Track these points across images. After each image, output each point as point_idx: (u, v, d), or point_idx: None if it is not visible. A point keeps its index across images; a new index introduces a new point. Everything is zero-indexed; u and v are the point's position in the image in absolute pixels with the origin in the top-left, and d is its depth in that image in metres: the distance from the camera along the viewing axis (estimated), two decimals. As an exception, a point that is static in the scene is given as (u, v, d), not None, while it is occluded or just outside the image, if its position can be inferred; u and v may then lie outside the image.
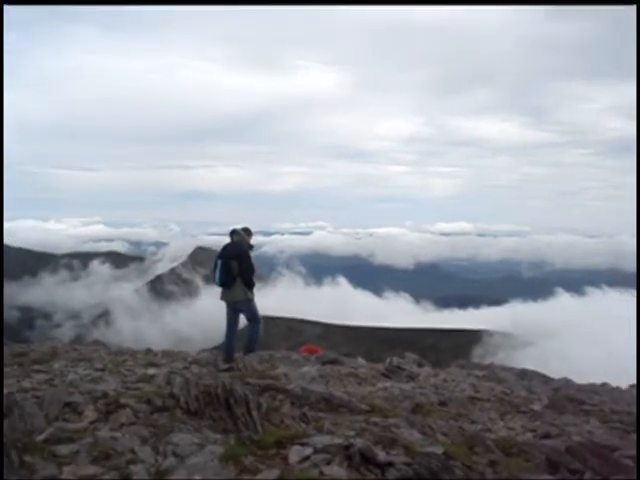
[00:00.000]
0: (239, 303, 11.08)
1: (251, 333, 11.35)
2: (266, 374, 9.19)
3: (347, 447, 4.88)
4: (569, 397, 10.68)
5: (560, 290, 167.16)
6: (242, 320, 11.40)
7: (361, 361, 13.74)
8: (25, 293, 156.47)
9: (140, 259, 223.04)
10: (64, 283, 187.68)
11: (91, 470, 4.31)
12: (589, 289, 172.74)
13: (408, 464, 4.63)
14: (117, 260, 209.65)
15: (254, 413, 5.75)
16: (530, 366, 17.98)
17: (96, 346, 13.89)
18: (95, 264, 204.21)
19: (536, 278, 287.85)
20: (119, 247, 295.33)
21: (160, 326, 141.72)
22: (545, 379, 14.53)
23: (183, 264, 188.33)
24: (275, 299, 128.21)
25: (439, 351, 74.96)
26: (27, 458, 4.33)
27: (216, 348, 18.99)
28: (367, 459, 4.70)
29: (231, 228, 11.52)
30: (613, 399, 11.42)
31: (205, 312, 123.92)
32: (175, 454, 4.74)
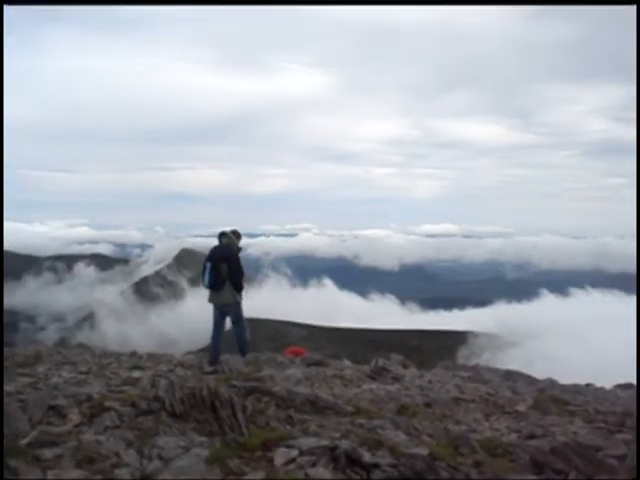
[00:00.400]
0: (227, 306, 11.05)
1: (239, 336, 11.35)
2: (251, 376, 9.18)
3: (333, 449, 4.88)
4: (553, 398, 10.74)
5: (544, 291, 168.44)
6: (227, 323, 11.40)
7: (346, 363, 13.73)
8: (9, 296, 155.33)
9: (125, 261, 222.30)
10: (48, 286, 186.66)
11: (75, 474, 4.29)
12: (573, 290, 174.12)
13: (393, 465, 4.64)
14: (102, 262, 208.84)
15: (239, 415, 5.74)
16: (515, 367, 18.04)
17: (80, 349, 13.78)
18: (80, 266, 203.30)
19: (521, 279, 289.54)
20: (104, 249, 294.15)
21: (145, 328, 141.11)
22: (530, 380, 14.58)
23: (168, 266, 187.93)
24: (261, 301, 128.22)
25: (424, 352, 75.09)
26: (11, 462, 4.30)
27: (202, 350, 18.93)
28: (353, 461, 4.71)
29: (220, 230, 11.46)
30: (597, 399, 11.49)
31: (190, 314, 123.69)
32: (160, 457, 4.72)
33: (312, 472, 4.54)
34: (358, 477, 4.56)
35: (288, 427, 6.06)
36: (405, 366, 14.03)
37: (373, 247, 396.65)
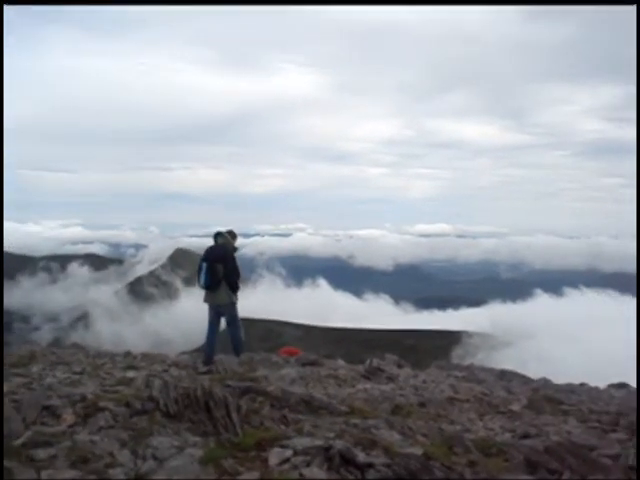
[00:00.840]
0: (223, 306, 11.04)
1: (233, 336, 11.33)
2: (246, 376, 9.16)
3: (327, 449, 4.88)
4: (548, 397, 10.75)
5: (539, 291, 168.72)
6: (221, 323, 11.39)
7: (341, 362, 13.74)
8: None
9: (119, 261, 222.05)
10: (42, 286, 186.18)
11: (69, 474, 4.28)
12: (567, 290, 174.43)
13: (388, 465, 4.64)
14: (96, 262, 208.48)
15: (234, 415, 5.74)
16: (509, 367, 18.06)
17: (75, 349, 13.75)
18: (74, 266, 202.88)
19: (515, 279, 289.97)
20: (98, 249, 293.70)
21: (139, 328, 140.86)
22: (524, 379, 14.61)
23: (162, 266, 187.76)
24: (255, 301, 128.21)
25: (419, 352, 75.06)
26: (5, 462, 4.29)
27: (196, 350, 18.93)
28: (347, 460, 4.71)
29: (215, 230, 11.43)
30: (591, 399, 11.52)
31: (185, 314, 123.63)
32: (154, 457, 4.71)
33: (306, 472, 4.54)
34: (352, 477, 4.56)
35: (282, 427, 6.05)
36: (399, 366, 14.04)
37: (367, 247, 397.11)
